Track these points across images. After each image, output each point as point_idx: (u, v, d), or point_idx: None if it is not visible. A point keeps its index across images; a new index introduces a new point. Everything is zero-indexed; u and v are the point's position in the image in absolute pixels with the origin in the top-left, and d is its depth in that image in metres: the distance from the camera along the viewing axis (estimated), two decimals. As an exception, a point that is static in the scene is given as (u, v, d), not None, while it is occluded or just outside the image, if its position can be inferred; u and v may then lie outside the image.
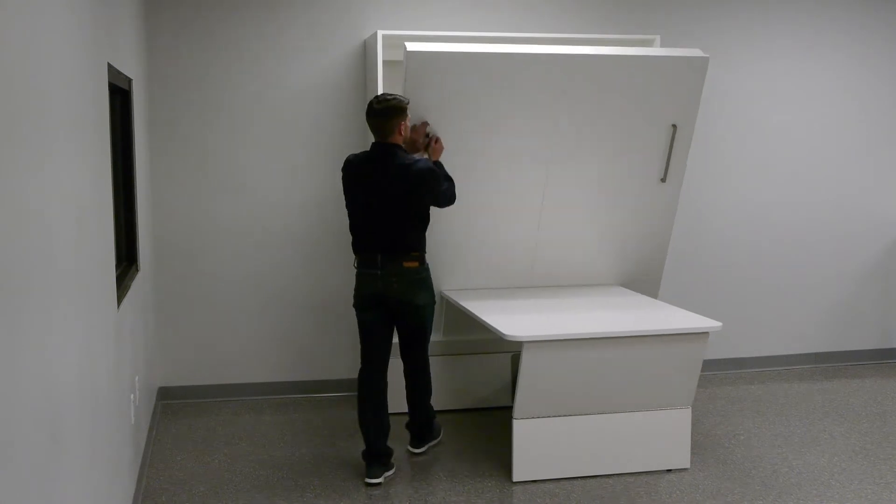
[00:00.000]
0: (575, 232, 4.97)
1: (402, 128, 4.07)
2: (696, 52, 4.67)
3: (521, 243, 4.94)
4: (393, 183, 4.04)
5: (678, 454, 4.28)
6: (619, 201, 4.94)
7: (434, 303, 4.29)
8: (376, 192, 4.08)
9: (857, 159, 6.04)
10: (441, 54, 4.31)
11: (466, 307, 4.48)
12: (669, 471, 4.27)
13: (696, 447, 4.56)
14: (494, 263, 4.96)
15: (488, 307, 4.46)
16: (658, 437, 4.24)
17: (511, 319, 4.20)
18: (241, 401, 5.37)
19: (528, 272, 5.02)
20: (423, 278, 4.18)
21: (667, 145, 4.83)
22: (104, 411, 2.95)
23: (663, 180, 4.91)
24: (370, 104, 4.08)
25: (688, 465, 4.30)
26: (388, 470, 4.20)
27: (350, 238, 5.36)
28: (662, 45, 5.51)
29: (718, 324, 4.13)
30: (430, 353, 4.51)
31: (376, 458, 4.16)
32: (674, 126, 4.79)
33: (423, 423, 4.47)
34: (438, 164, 4.31)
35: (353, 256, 4.24)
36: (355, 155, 4.21)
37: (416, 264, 4.13)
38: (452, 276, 4.94)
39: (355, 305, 4.23)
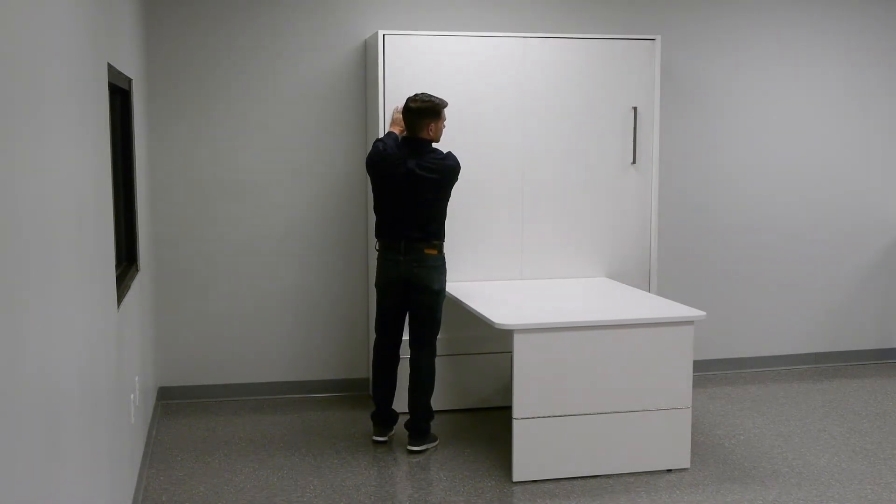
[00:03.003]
0: (557, 219, 5.19)
1: (432, 128, 4.39)
2: (646, 37, 5.19)
3: (508, 235, 5.14)
4: (425, 175, 4.34)
5: (678, 454, 4.28)
6: (594, 185, 5.24)
7: (445, 292, 4.52)
8: (407, 183, 4.36)
9: (858, 159, 6.04)
10: (410, 38, 4.91)
11: (458, 298, 4.59)
12: (669, 471, 4.27)
13: (696, 447, 4.56)
14: (484, 257, 5.12)
15: (479, 299, 4.57)
16: (658, 437, 4.24)
17: (501, 309, 4.31)
18: (241, 401, 5.37)
19: (517, 265, 5.17)
20: (439, 266, 4.45)
21: (631, 128, 5.20)
22: (104, 411, 2.95)
23: (633, 163, 5.18)
24: (407, 101, 4.42)
25: (688, 465, 4.30)
26: (392, 431, 4.67)
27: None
28: (663, 47, 5.52)
29: (702, 313, 4.25)
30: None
31: (383, 420, 4.63)
32: (634, 109, 5.13)
33: (421, 422, 4.51)
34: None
35: (375, 240, 4.56)
36: (384, 144, 4.44)
37: (435, 252, 4.43)
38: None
39: (377, 286, 4.58)
